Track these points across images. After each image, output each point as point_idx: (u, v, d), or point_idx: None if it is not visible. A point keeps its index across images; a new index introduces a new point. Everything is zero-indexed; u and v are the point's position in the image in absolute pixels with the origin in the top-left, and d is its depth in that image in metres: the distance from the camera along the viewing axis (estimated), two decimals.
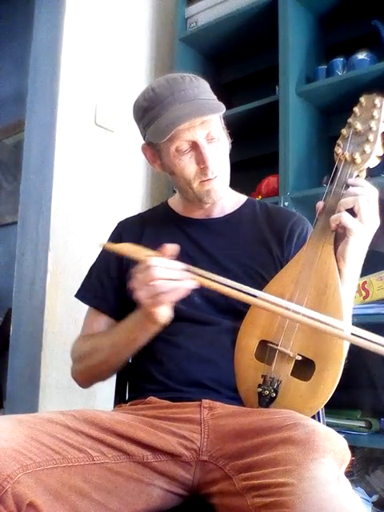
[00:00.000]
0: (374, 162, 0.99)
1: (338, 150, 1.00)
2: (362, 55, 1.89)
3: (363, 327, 0.88)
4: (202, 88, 1.09)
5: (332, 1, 2.02)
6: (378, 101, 1.00)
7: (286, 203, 1.84)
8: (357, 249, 0.96)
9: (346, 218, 0.94)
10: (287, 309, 0.90)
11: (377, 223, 0.97)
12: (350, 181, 0.97)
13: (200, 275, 0.92)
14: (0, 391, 2.56)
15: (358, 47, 1.91)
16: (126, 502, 0.86)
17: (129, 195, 2.16)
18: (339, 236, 0.97)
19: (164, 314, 0.95)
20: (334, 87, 1.90)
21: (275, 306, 0.90)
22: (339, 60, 1.94)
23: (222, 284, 0.91)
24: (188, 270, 0.92)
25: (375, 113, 0.99)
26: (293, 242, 1.14)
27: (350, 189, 0.96)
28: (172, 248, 0.94)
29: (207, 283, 0.91)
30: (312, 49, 2.06)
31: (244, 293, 0.90)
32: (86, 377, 1.16)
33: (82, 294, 1.23)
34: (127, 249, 0.99)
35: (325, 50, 2.13)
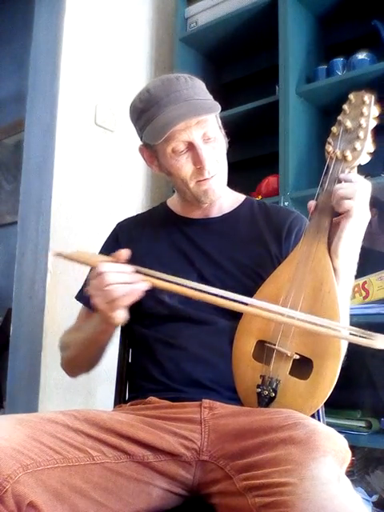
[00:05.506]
0: (364, 159, 0.99)
1: (329, 148, 1.00)
2: (361, 55, 1.89)
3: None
4: (198, 88, 1.09)
5: (332, 1, 2.01)
6: (367, 98, 1.00)
7: (286, 203, 1.84)
8: (349, 244, 0.96)
9: (348, 195, 0.93)
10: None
11: (368, 217, 0.97)
12: (342, 176, 0.97)
13: (151, 276, 0.94)
14: (0, 391, 2.56)
15: (357, 47, 1.91)
16: (126, 502, 0.86)
17: (129, 195, 2.15)
18: (332, 234, 0.97)
19: (120, 316, 0.96)
20: (334, 87, 1.90)
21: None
22: (339, 60, 1.94)
23: (174, 283, 0.93)
24: (138, 272, 0.94)
25: (364, 110, 0.99)
26: (291, 240, 1.14)
27: (343, 183, 0.96)
28: (124, 253, 0.96)
29: (160, 283, 0.93)
30: (312, 49, 2.06)
31: (199, 291, 0.92)
32: (68, 367, 1.20)
33: (80, 295, 1.23)
34: (80, 256, 0.99)
35: (325, 50, 2.12)
